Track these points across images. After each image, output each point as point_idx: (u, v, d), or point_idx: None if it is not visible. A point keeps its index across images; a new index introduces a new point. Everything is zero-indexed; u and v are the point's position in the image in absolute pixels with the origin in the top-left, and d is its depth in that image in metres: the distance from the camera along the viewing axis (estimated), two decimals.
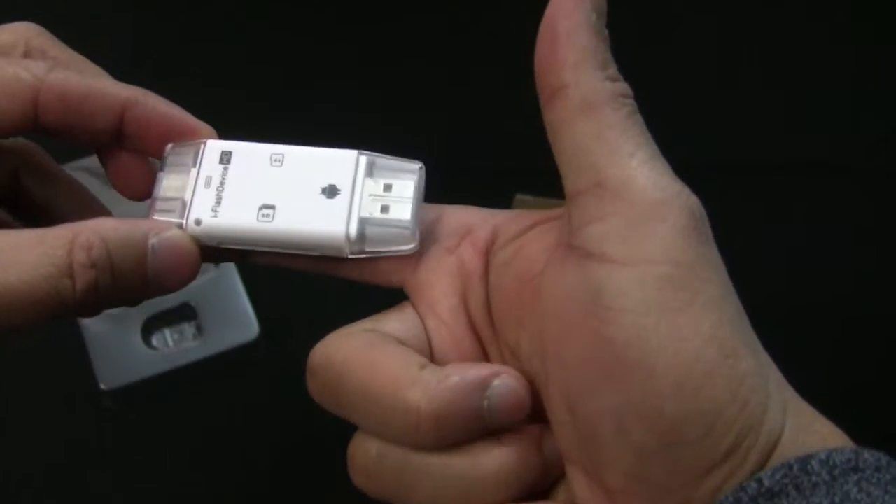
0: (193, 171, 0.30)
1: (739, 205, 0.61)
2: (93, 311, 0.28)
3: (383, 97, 0.62)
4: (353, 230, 0.29)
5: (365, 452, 0.28)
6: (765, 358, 0.26)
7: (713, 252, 0.26)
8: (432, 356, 0.30)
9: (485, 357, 0.30)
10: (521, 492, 0.27)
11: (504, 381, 0.27)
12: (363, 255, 0.29)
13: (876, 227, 0.62)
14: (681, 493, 0.25)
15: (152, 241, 0.28)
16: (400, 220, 0.29)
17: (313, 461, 0.54)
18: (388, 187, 0.29)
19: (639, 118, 0.28)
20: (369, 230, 0.29)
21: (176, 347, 0.54)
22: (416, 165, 0.30)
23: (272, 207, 0.29)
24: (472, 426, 0.27)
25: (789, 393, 0.26)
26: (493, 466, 0.27)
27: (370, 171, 0.29)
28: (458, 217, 0.31)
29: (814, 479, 0.24)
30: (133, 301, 0.29)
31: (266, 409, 0.55)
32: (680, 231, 0.26)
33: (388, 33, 0.66)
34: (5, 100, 0.28)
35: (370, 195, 0.29)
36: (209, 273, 0.55)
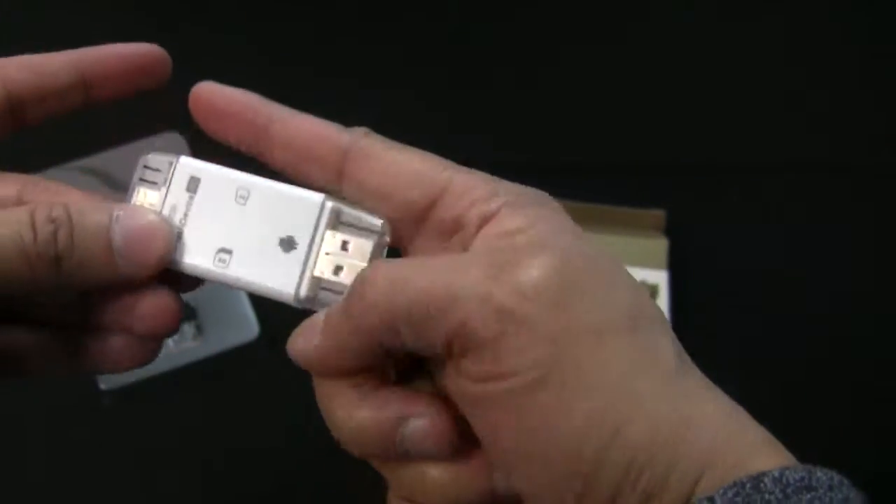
0: (164, 189, 0.30)
1: (739, 205, 0.61)
2: (59, 273, 0.28)
3: (383, 96, 0.62)
4: (304, 291, 0.29)
5: None
6: (683, 395, 0.26)
7: (592, 305, 0.26)
8: None
9: None
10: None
11: (416, 424, 0.27)
12: (310, 308, 0.29)
13: (875, 227, 0.62)
14: None
15: (117, 212, 0.28)
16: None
17: (313, 461, 0.54)
18: (345, 245, 0.29)
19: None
20: (320, 294, 0.29)
21: (176, 347, 0.54)
22: (378, 223, 0.29)
23: (229, 252, 0.29)
24: (391, 453, 0.28)
25: (725, 417, 0.26)
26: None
27: (333, 223, 0.29)
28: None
29: (766, 496, 0.24)
30: (106, 275, 0.28)
31: (266, 409, 0.55)
32: (534, 330, 0.25)
33: (388, 32, 0.66)
34: None
35: (326, 253, 0.29)
36: None
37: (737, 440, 0.25)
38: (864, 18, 0.67)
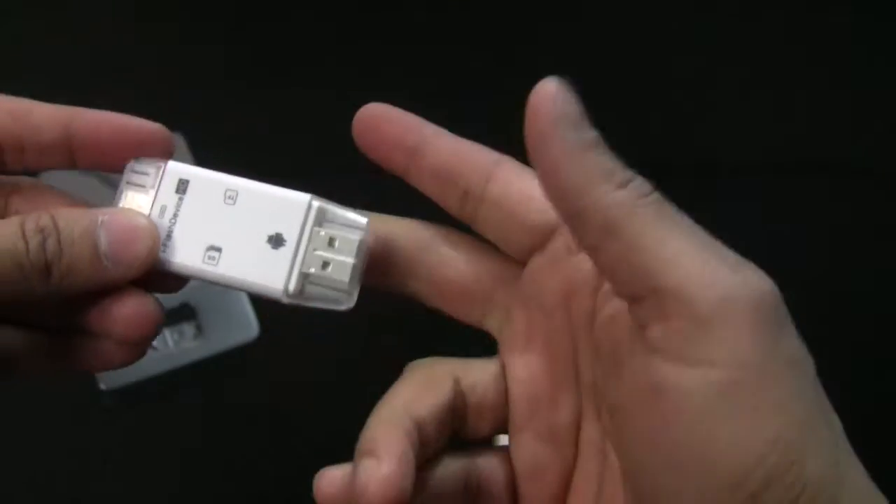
0: (152, 192, 0.30)
1: (738, 205, 0.61)
2: (50, 280, 0.28)
3: (381, 95, 0.62)
4: (293, 286, 0.29)
5: None
6: (842, 454, 0.26)
7: (787, 343, 0.26)
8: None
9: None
10: None
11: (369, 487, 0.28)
12: (298, 305, 0.30)
13: (876, 227, 0.62)
14: None
15: (102, 217, 0.29)
16: (338, 282, 0.29)
17: (313, 461, 0.54)
18: (332, 241, 0.29)
19: (668, 208, 0.26)
20: (308, 288, 0.29)
21: (176, 347, 0.54)
22: (363, 220, 0.30)
23: (218, 250, 0.29)
24: None
25: (867, 487, 0.26)
26: None
27: (319, 221, 0.29)
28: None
29: None
30: (93, 278, 0.29)
31: (266, 409, 0.55)
32: (746, 330, 0.25)
33: (387, 30, 0.66)
34: None
35: (314, 249, 0.29)
36: None
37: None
38: (865, 18, 0.67)
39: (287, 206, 0.29)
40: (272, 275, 0.29)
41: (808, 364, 0.26)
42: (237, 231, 0.29)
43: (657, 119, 0.63)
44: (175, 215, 0.30)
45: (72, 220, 0.28)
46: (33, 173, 0.32)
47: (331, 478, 0.29)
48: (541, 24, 0.66)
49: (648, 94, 0.64)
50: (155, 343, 0.53)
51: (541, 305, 0.31)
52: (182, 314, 0.54)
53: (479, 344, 0.33)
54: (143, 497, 0.53)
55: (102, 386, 0.53)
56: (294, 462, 0.54)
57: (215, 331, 0.54)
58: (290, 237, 0.29)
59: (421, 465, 0.29)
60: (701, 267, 0.25)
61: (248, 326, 0.55)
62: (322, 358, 0.54)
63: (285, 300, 0.29)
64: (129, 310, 0.29)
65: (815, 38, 0.67)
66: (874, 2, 0.68)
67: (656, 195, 0.26)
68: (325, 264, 0.29)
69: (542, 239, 0.30)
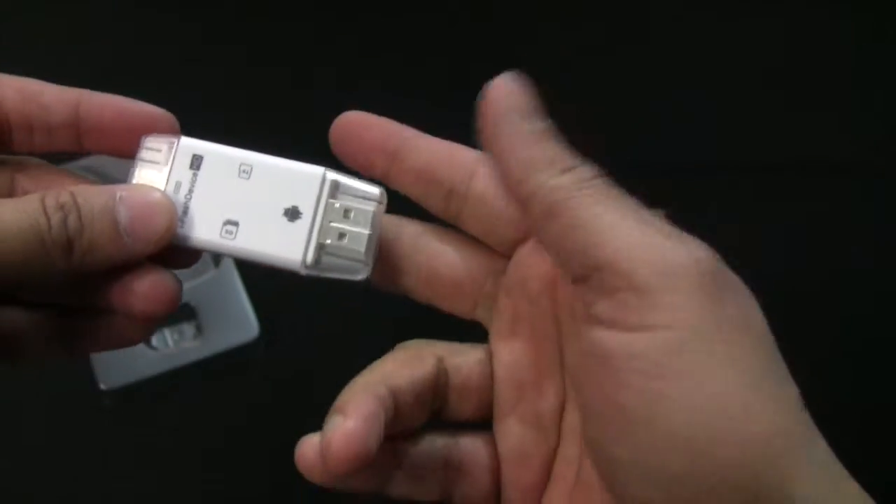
0: (165, 169, 0.30)
1: (739, 204, 0.61)
2: (72, 255, 0.28)
3: (381, 96, 0.62)
4: (310, 257, 0.30)
5: None
6: (795, 416, 0.26)
7: (733, 305, 0.26)
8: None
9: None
10: None
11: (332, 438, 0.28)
12: (315, 276, 0.30)
13: (876, 227, 0.62)
14: None
15: (120, 193, 0.29)
16: (355, 252, 0.30)
17: None
18: (347, 213, 0.30)
19: (611, 191, 0.28)
20: (325, 258, 0.30)
21: (176, 347, 0.54)
22: (376, 191, 0.30)
23: (235, 224, 0.30)
24: None
25: (823, 455, 0.26)
26: None
27: (333, 193, 0.30)
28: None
29: None
30: (114, 253, 0.29)
31: (266, 408, 0.55)
32: (686, 295, 0.26)
33: (387, 30, 0.66)
34: None
35: (329, 221, 0.30)
36: (209, 273, 0.55)
37: (826, 478, 0.25)
38: (865, 18, 0.67)
39: (302, 178, 0.30)
40: (290, 247, 0.30)
41: (757, 326, 0.27)
42: (253, 205, 0.30)
43: (659, 119, 0.63)
44: (190, 191, 0.30)
45: (91, 197, 0.28)
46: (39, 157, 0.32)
47: (310, 444, 0.30)
48: (540, 23, 0.66)
49: (650, 93, 0.64)
50: (155, 343, 0.54)
51: (526, 293, 0.31)
52: (182, 314, 0.54)
53: (479, 342, 0.33)
54: (143, 497, 0.53)
55: (102, 386, 0.53)
56: (294, 462, 0.54)
57: (215, 331, 0.54)
58: (306, 210, 0.30)
59: (398, 436, 0.30)
60: (639, 239, 0.26)
61: (248, 326, 0.55)
62: (322, 358, 0.54)
63: (303, 271, 0.30)
64: (149, 285, 0.29)
65: (819, 40, 0.67)
66: (874, 2, 0.68)
67: (599, 180, 0.27)
68: (342, 235, 0.30)
69: (526, 231, 0.31)
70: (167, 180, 0.30)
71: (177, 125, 0.31)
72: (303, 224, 0.30)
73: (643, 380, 0.25)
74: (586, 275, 0.27)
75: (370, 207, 0.30)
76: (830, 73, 0.65)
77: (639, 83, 0.64)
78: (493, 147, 0.29)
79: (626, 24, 0.66)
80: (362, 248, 0.30)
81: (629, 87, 0.64)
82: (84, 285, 0.30)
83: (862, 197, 0.62)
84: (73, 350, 0.31)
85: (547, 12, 0.66)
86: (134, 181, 0.30)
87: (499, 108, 0.28)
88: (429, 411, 0.31)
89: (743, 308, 0.27)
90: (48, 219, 0.28)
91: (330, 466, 0.28)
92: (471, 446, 0.32)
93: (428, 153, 0.31)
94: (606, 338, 0.26)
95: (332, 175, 0.30)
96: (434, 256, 0.32)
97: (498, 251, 0.32)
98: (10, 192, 0.31)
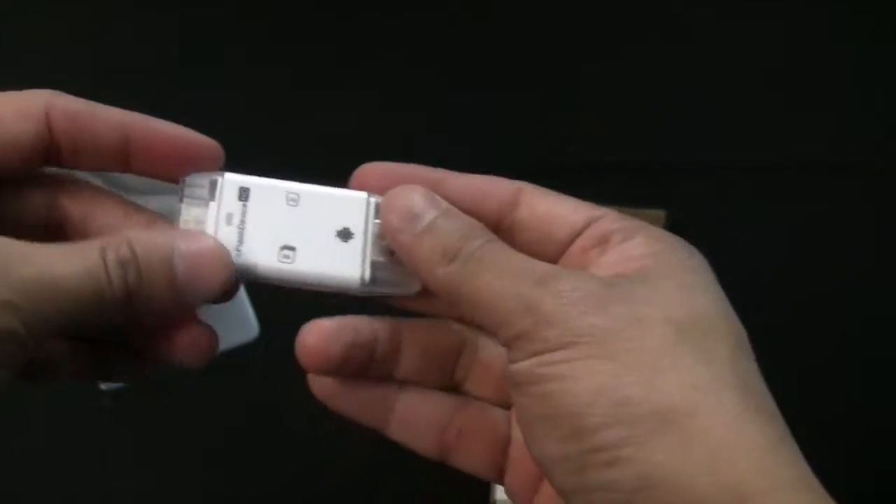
0: (213, 204, 0.31)
1: (739, 205, 0.61)
2: (129, 308, 0.28)
3: (381, 97, 0.62)
4: (367, 275, 0.31)
5: None
6: (700, 383, 0.26)
7: (627, 305, 0.27)
8: None
9: None
10: None
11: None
12: (370, 294, 0.31)
13: (876, 227, 0.62)
14: None
15: (179, 244, 0.29)
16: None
17: (313, 461, 0.54)
18: None
19: (495, 247, 0.29)
20: (380, 274, 0.31)
21: None
22: None
23: (293, 249, 0.31)
24: None
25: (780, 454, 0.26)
26: None
27: (377, 214, 0.31)
28: None
29: None
30: (170, 306, 0.29)
31: (266, 408, 0.55)
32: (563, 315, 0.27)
33: (387, 30, 0.66)
34: (21, 120, 0.29)
35: (379, 240, 0.31)
36: None
37: (772, 474, 0.25)
38: (865, 18, 0.67)
39: (348, 203, 0.31)
40: (347, 266, 0.31)
41: (656, 317, 0.27)
42: (306, 229, 0.31)
43: (659, 119, 0.63)
44: (243, 221, 0.31)
45: (149, 247, 0.28)
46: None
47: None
48: (540, 24, 0.66)
49: (650, 93, 0.64)
50: None
51: None
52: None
53: None
54: (143, 497, 0.53)
55: (102, 386, 0.53)
56: (294, 461, 0.54)
57: (215, 331, 0.54)
58: (357, 230, 0.31)
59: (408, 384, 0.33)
60: (511, 292, 0.27)
61: (248, 326, 0.55)
62: None
63: (361, 290, 0.31)
64: (191, 338, 0.30)
65: (818, 40, 0.67)
66: (874, 2, 0.67)
67: (480, 244, 0.28)
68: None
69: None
70: (217, 214, 0.30)
71: (223, 156, 0.31)
72: (356, 244, 0.31)
73: (537, 389, 0.27)
74: (505, 342, 0.28)
75: None
76: (830, 73, 0.65)
77: (639, 83, 0.64)
78: (396, 248, 0.30)
79: (626, 24, 0.66)
80: None
81: (629, 87, 0.64)
82: (129, 328, 0.30)
83: (862, 197, 0.62)
84: (98, 375, 0.32)
85: (546, 13, 0.66)
86: (182, 218, 0.30)
87: (392, 215, 0.29)
88: (449, 377, 0.33)
89: (638, 303, 0.27)
90: (108, 275, 0.27)
91: (298, 351, 0.31)
92: (480, 416, 0.33)
93: (465, 187, 0.31)
94: (511, 369, 0.27)
95: (375, 198, 0.31)
96: None
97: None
98: (48, 213, 0.31)
